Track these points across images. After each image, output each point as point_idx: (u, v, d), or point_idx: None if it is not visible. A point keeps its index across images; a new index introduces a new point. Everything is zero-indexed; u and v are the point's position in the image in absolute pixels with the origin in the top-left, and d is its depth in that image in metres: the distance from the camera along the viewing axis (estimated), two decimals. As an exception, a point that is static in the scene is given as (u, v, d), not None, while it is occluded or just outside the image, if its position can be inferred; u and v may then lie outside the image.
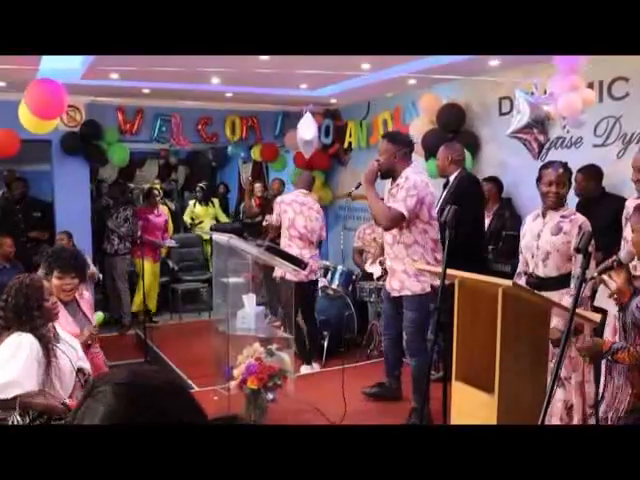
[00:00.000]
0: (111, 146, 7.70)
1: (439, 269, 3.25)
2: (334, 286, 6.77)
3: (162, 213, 8.46)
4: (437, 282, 4.34)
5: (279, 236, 6.24)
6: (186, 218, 10.13)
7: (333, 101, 8.02)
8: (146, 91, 7.12)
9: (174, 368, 6.31)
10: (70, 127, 7.37)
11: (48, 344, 2.93)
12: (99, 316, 3.97)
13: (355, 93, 7.30)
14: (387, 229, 4.54)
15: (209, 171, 12.01)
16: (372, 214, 4.76)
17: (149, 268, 7.87)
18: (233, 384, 4.40)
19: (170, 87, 6.81)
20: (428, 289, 4.53)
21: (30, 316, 2.94)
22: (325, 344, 6.31)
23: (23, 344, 2.86)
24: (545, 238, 3.95)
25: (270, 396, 4.42)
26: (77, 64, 5.84)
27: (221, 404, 4.71)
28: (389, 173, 4.59)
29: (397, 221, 4.44)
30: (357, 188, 4.90)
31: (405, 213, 4.37)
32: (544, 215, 4.02)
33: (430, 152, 6.15)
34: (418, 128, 6.58)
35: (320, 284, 6.71)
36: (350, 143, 8.19)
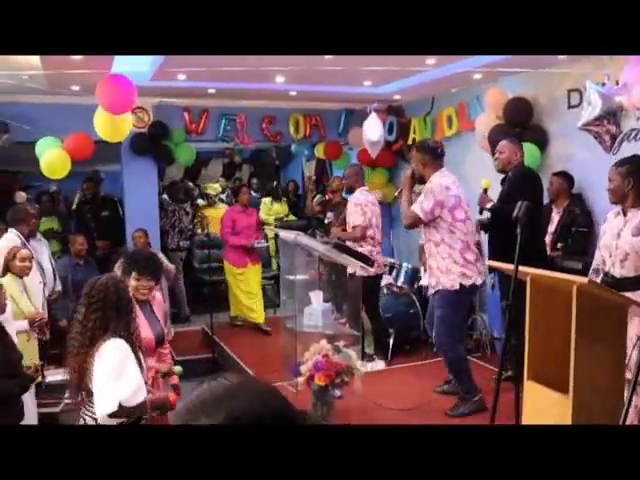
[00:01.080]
0: (178, 146, 7.86)
1: (511, 266, 3.19)
2: (399, 284, 6.75)
3: (254, 212, 8.09)
4: (468, 281, 4.71)
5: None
6: (264, 216, 10.13)
7: (397, 97, 7.97)
8: (212, 91, 7.24)
9: (240, 364, 6.40)
10: (138, 128, 7.55)
11: (134, 345, 2.98)
12: (178, 370, 3.97)
13: (419, 89, 7.24)
14: (406, 228, 5.03)
15: (273, 170, 12.12)
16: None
17: (245, 271, 7.69)
18: (300, 380, 4.43)
19: (235, 87, 6.90)
20: (457, 286, 4.72)
21: (127, 312, 2.98)
22: (391, 342, 6.29)
23: (125, 348, 2.89)
24: (625, 238, 3.80)
25: (337, 393, 4.44)
26: (146, 67, 5.98)
27: (289, 400, 4.74)
28: (421, 178, 4.92)
29: (413, 222, 4.80)
30: (399, 193, 5.22)
31: (420, 215, 4.70)
32: (625, 213, 3.87)
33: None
34: (484, 123, 6.48)
35: (385, 282, 6.69)
36: (414, 140, 8.12)
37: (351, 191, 6.33)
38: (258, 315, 7.66)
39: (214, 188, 9.90)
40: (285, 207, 10.19)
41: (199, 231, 8.82)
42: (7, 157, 8.96)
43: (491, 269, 5.19)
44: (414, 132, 8.07)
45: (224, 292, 7.90)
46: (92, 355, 2.85)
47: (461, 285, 4.72)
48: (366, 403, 4.88)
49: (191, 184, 10.05)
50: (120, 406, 2.75)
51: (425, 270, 5.63)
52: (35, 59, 5.23)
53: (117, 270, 3.70)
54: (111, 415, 2.77)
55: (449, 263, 4.72)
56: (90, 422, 2.91)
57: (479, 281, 4.86)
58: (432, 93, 7.67)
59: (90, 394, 2.88)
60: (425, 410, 4.87)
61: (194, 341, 7.50)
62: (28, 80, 5.91)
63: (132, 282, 3.54)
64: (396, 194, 5.34)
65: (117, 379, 2.79)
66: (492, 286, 6.16)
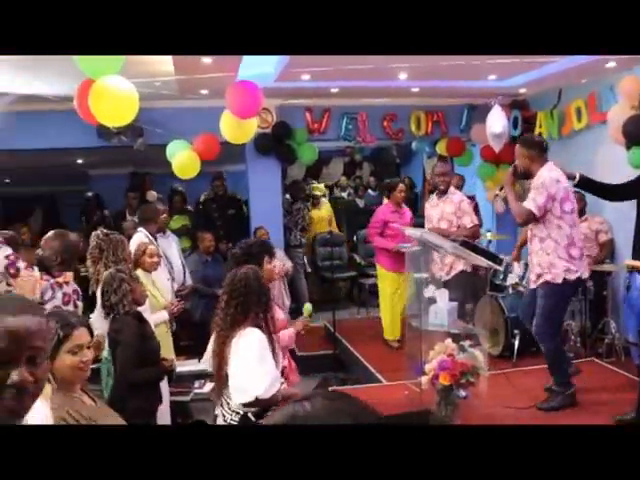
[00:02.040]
0: (300, 145, 8.00)
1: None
2: (525, 282, 6.53)
3: (406, 212, 7.16)
4: (573, 275, 4.67)
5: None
6: None
7: (522, 91, 7.72)
8: (334, 90, 7.30)
9: (363, 361, 6.42)
10: (263, 129, 7.74)
11: (270, 335, 3.09)
12: (308, 308, 4.12)
13: (546, 81, 6.97)
14: (521, 225, 5.01)
15: (393, 167, 12.09)
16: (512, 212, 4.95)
17: (388, 276, 6.91)
18: (424, 379, 4.39)
19: (357, 85, 6.93)
20: (560, 280, 4.70)
21: (266, 300, 3.12)
22: (516, 343, 6.11)
23: (262, 338, 3.01)
24: None
25: (462, 393, 4.36)
26: (271, 68, 6.13)
27: (412, 399, 4.73)
28: (527, 174, 4.88)
29: (528, 218, 4.73)
30: (501, 190, 5.22)
31: (534, 210, 4.64)
32: None
33: (632, 140, 5.73)
34: (618, 115, 6.14)
35: (510, 281, 6.50)
36: (540, 134, 7.84)
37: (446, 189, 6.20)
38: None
39: (320, 189, 10.01)
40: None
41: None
42: (140, 159, 9.52)
43: (630, 269, 4.94)
44: (540, 126, 7.78)
45: (346, 289, 7.92)
46: (231, 340, 2.99)
47: (565, 279, 4.71)
48: (490, 404, 4.77)
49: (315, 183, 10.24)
50: (256, 398, 2.85)
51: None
52: (168, 66, 5.49)
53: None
54: (246, 405, 2.89)
55: (553, 258, 4.71)
56: (225, 406, 3.06)
57: (585, 275, 4.84)
58: (560, 85, 7.37)
59: (227, 379, 3.01)
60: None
61: (316, 337, 7.61)
62: (161, 87, 6.21)
63: (267, 266, 3.65)
64: (497, 192, 5.30)
65: (255, 371, 2.90)
66: (627, 287, 5.83)
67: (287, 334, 3.83)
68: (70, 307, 3.46)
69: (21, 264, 3.23)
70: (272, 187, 8.11)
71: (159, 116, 7.16)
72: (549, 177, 4.68)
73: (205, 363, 3.59)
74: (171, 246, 6.30)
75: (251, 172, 8.12)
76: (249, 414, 2.97)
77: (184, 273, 6.34)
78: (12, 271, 3.16)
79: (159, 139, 7.04)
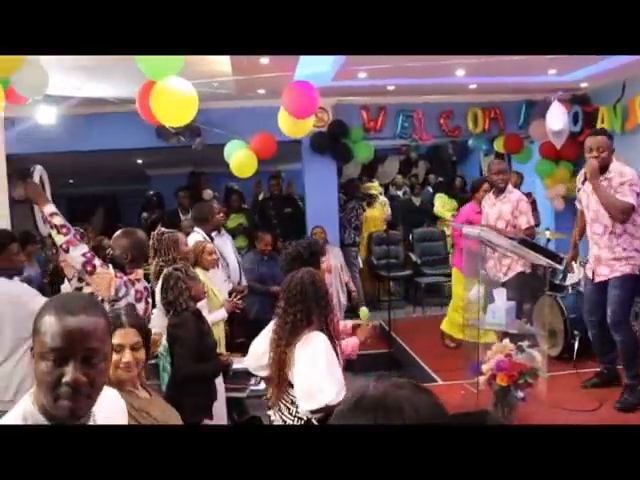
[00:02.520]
0: (356, 144, 8.00)
1: None
2: (583, 281, 6.37)
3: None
4: None
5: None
6: (444, 212, 10.03)
7: (583, 85, 7.55)
8: (391, 88, 7.28)
9: (418, 361, 6.39)
10: (318, 127, 7.77)
11: (332, 339, 3.07)
12: (364, 312, 4.09)
13: (609, 74, 6.80)
14: (622, 222, 4.72)
15: (449, 165, 11.96)
16: (605, 207, 4.79)
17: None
18: (482, 380, 4.34)
19: (414, 83, 6.90)
20: (637, 272, 4.74)
21: (325, 303, 3.08)
22: (576, 345, 5.97)
23: (327, 341, 2.99)
24: None
25: (520, 394, 4.29)
26: (327, 67, 6.16)
27: (468, 399, 4.68)
28: (603, 168, 4.73)
29: (629, 213, 4.67)
30: (583, 183, 5.04)
31: (635, 203, 4.63)
32: None
33: None
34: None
35: (570, 281, 6.36)
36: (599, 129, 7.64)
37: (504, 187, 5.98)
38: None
39: (375, 188, 9.96)
40: (455, 203, 10.01)
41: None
42: (198, 159, 9.68)
43: None
44: (602, 121, 7.58)
45: (403, 288, 7.85)
46: (294, 346, 2.96)
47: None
48: (548, 405, 4.69)
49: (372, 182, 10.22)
50: (326, 405, 2.82)
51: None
52: (226, 66, 5.57)
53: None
54: (314, 412, 2.88)
55: (630, 252, 4.74)
56: (285, 411, 3.03)
57: None
58: (623, 78, 7.16)
59: (289, 384, 2.99)
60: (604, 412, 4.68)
61: (371, 335, 7.58)
62: (219, 87, 6.31)
63: (323, 265, 3.66)
64: (580, 186, 5.08)
65: (325, 377, 2.87)
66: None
67: (350, 344, 3.74)
68: (142, 304, 3.53)
69: (97, 261, 3.31)
70: (328, 186, 8.15)
71: (216, 116, 7.27)
72: (631, 171, 4.71)
73: (247, 362, 3.56)
74: (226, 245, 6.35)
75: (307, 171, 8.18)
76: (313, 420, 2.94)
77: (240, 272, 6.40)
78: (89, 268, 3.23)
79: (216, 139, 7.15)
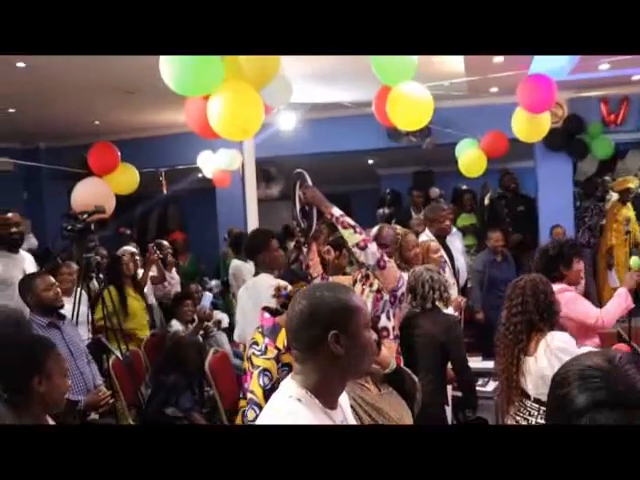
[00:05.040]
0: (594, 139, 7.58)
1: None
2: None
3: None
4: None
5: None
6: None
7: None
8: (636, 77, 6.79)
9: None
10: (553, 123, 7.46)
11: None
12: (635, 260, 3.94)
13: None
14: None
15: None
16: None
17: None
18: None
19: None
20: None
21: (552, 315, 2.93)
22: None
23: (564, 338, 2.91)
24: None
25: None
26: (564, 61, 5.92)
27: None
28: None
29: None
30: None
31: None
32: None
33: None
34: None
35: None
36: None
37: None
38: None
39: (634, 181, 9.11)
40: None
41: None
42: (426, 158, 9.80)
43: None
44: None
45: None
46: (522, 352, 2.90)
47: None
48: None
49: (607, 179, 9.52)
50: None
51: None
52: (459, 66, 5.59)
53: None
54: None
55: None
56: (525, 414, 2.93)
57: None
58: None
59: (523, 394, 2.93)
60: None
61: (608, 344, 7.12)
62: (450, 87, 6.34)
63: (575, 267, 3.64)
64: None
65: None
66: None
67: None
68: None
69: (386, 256, 3.53)
70: (563, 184, 7.81)
71: (447, 115, 7.29)
72: None
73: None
74: (454, 243, 6.34)
75: (540, 169, 7.91)
76: None
77: (466, 272, 6.37)
78: (382, 263, 3.42)
79: (446, 138, 7.20)
